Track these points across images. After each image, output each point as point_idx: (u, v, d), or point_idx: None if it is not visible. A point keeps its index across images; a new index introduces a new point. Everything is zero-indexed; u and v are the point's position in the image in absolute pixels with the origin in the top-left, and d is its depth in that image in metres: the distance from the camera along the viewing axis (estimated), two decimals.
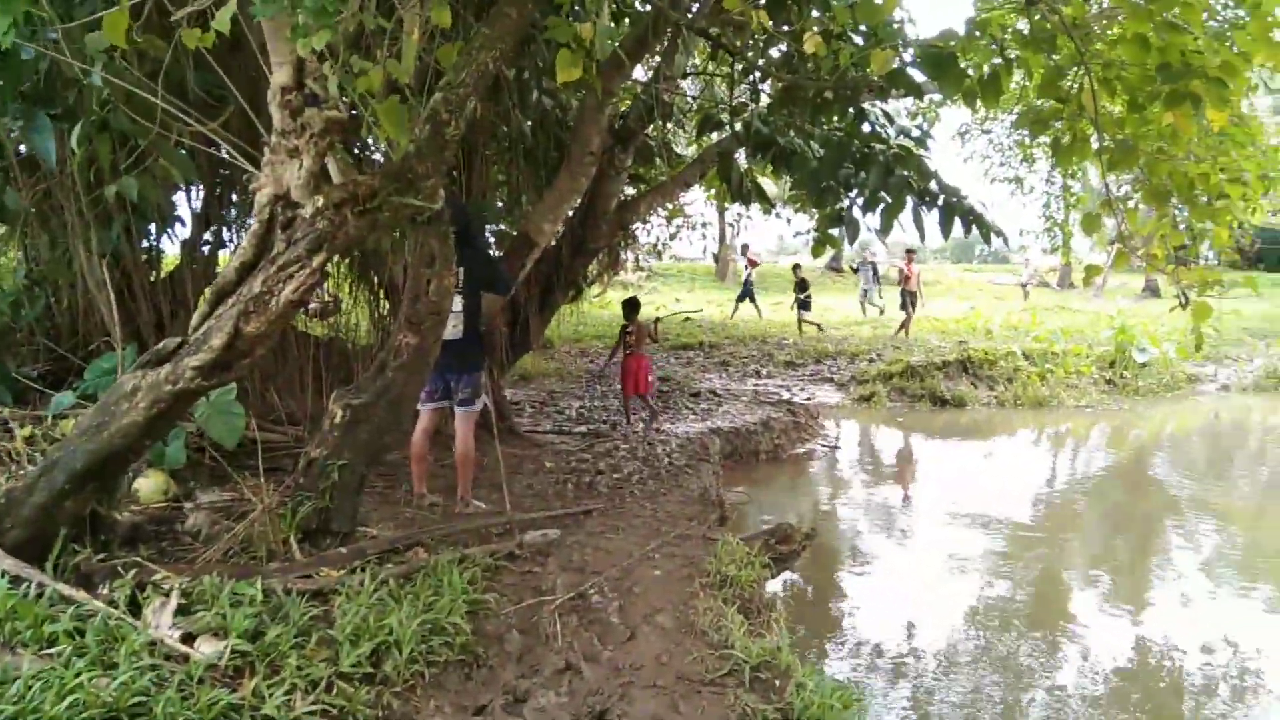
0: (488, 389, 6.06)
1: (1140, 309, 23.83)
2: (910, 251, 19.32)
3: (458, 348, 5.33)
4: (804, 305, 18.79)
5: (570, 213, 8.52)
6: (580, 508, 5.84)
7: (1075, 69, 5.82)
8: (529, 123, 8.36)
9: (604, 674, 3.48)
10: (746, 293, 22.26)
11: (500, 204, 10.80)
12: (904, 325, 18.23)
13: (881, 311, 21.69)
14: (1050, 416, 13.61)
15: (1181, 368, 16.23)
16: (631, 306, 9.92)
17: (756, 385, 13.53)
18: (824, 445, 11.11)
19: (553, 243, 8.34)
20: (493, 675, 3.41)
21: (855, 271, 22.59)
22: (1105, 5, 6.98)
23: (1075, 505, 9.35)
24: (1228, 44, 6.12)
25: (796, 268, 20.60)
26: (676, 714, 3.22)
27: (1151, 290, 30.41)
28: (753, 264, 24.20)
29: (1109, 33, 6.19)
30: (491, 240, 9.62)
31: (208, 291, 3.92)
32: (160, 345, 3.73)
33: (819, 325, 18.59)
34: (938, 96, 10.00)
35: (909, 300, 18.31)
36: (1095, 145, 6.26)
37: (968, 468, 10.98)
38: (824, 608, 6.29)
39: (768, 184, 11.00)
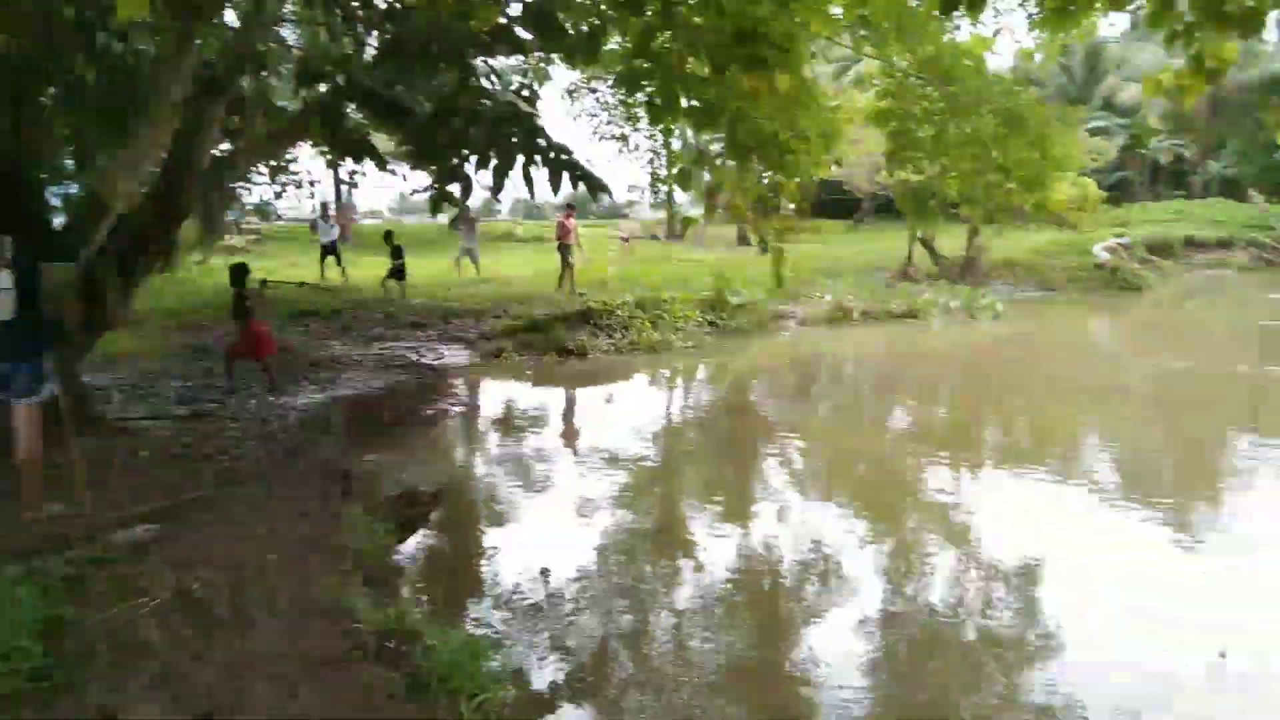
0: (57, 375, 5.26)
1: (734, 256, 26.48)
2: (570, 207, 19.30)
3: (11, 331, 4.58)
4: (398, 274, 18.04)
5: (155, 171, 7.65)
6: (185, 497, 5.32)
7: (665, 32, 6.22)
8: (97, 70, 7.34)
9: (213, 672, 3.21)
10: (332, 249, 21.09)
11: (69, 162, 9.46)
12: (565, 279, 18.38)
13: (478, 270, 21.55)
14: (663, 359, 14.71)
15: (769, 307, 18.27)
16: (241, 271, 9.23)
17: (381, 349, 13.15)
18: (455, 405, 11.11)
19: (135, 205, 7.43)
20: (76, 697, 3.01)
21: (455, 229, 22.15)
22: None
23: (688, 437, 10.25)
24: (791, 15, 6.89)
25: (389, 235, 19.74)
26: (294, 700, 3.06)
27: (746, 239, 33.86)
28: (343, 227, 23.50)
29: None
30: (57, 203, 8.41)
31: None
32: None
33: (402, 291, 17.72)
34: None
35: (568, 254, 18.46)
36: (685, 105, 6.76)
37: (593, 413, 11.59)
38: (463, 565, 6.31)
39: (381, 140, 10.63)
